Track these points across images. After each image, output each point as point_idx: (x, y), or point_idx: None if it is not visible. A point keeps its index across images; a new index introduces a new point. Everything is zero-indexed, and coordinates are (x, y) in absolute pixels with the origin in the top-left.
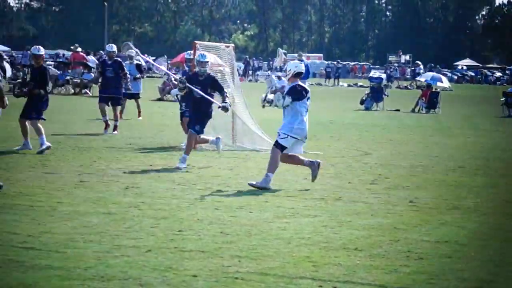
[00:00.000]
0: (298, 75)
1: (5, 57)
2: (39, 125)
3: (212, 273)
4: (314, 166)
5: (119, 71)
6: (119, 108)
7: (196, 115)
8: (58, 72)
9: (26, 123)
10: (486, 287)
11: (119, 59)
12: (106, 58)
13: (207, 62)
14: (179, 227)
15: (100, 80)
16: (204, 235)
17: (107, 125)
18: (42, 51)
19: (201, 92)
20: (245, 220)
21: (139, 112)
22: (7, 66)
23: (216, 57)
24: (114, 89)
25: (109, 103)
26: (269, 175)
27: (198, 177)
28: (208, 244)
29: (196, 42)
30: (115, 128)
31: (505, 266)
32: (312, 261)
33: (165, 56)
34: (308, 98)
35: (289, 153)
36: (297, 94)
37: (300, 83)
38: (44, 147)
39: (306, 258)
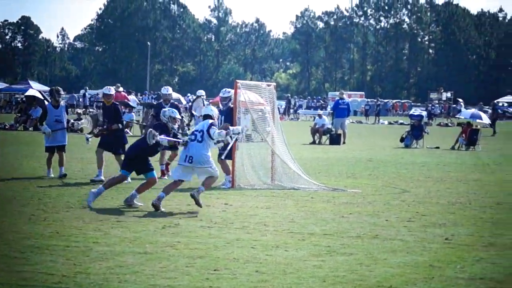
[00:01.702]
0: None
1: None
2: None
3: None
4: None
5: None
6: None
7: None
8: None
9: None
10: None
11: (176, 103)
12: (162, 101)
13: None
14: (214, 266)
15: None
16: (239, 274)
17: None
18: (112, 91)
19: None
20: (281, 259)
21: None
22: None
23: (257, 96)
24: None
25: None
26: None
27: (236, 216)
28: (243, 283)
29: (237, 81)
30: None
31: None
32: None
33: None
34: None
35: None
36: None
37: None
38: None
39: None
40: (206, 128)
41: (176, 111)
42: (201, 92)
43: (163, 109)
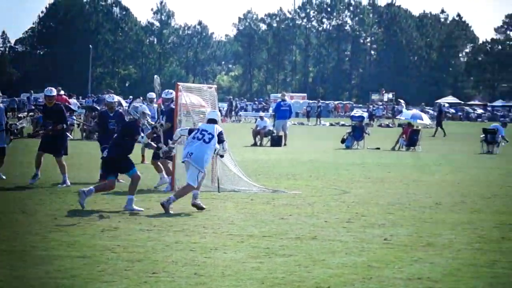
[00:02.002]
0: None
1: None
2: (64, 162)
3: None
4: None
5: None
6: None
7: None
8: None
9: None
10: None
11: (120, 111)
12: (106, 109)
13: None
14: (153, 269)
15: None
16: (178, 277)
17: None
18: (54, 92)
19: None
20: (220, 261)
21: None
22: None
23: (199, 98)
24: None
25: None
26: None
27: (175, 218)
28: (182, 286)
29: (179, 83)
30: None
31: None
32: None
33: (141, 98)
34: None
35: None
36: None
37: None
38: (67, 184)
39: None
40: (216, 133)
41: (146, 107)
42: (152, 95)
43: (135, 105)
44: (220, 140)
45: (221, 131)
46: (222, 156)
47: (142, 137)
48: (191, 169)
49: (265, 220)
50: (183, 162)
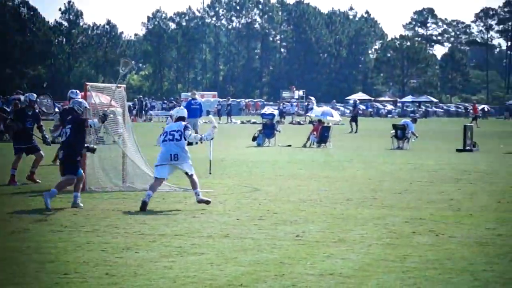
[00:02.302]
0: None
1: None
2: None
3: None
4: None
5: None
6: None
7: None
8: None
9: None
10: None
11: (37, 111)
12: (24, 107)
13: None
14: (64, 270)
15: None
16: (89, 277)
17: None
18: None
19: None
20: (132, 261)
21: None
22: None
23: (108, 98)
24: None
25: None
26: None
27: (86, 219)
28: (93, 286)
29: (87, 83)
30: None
31: None
32: None
33: (49, 94)
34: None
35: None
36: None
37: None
38: None
39: None
40: (182, 128)
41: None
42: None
43: (78, 100)
44: (185, 134)
45: (186, 126)
46: (190, 144)
47: (94, 124)
48: (183, 165)
49: (177, 219)
50: (161, 165)
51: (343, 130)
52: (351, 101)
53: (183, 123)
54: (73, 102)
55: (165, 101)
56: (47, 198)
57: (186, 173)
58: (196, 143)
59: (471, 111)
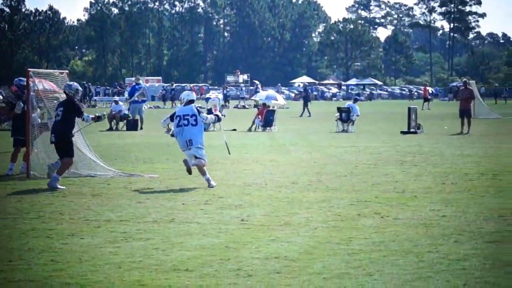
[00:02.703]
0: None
1: None
2: None
3: None
4: None
5: None
6: None
7: None
8: None
9: None
10: None
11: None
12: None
13: None
14: (9, 257)
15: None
16: (34, 264)
17: None
18: None
19: None
20: (77, 247)
21: None
22: None
23: (53, 84)
24: None
25: None
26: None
27: (31, 206)
28: (38, 273)
29: (29, 69)
30: None
31: (332, 278)
32: (142, 285)
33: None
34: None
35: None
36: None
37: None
38: None
39: (136, 282)
40: (197, 112)
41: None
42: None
43: (69, 84)
44: (202, 116)
45: (198, 109)
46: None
47: (88, 119)
48: (194, 150)
49: (122, 204)
50: (184, 151)
51: (291, 114)
52: (301, 85)
53: (193, 106)
54: (65, 86)
55: (107, 87)
56: (55, 183)
57: (195, 156)
58: (214, 123)
59: (421, 93)
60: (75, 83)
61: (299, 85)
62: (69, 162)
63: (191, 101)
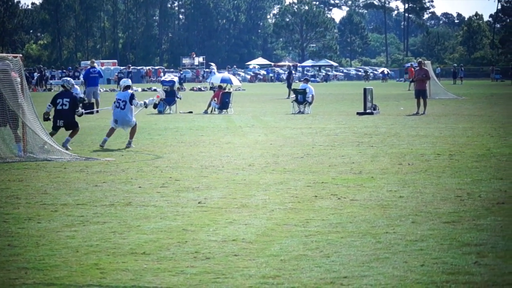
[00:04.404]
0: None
1: None
2: None
3: None
4: None
5: None
6: None
7: None
8: None
9: None
10: (270, 282)
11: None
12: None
13: None
14: None
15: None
16: None
17: None
18: None
19: None
20: (34, 231)
21: None
22: None
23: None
24: None
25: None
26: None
27: None
28: None
29: None
30: None
31: (289, 260)
32: (100, 268)
33: None
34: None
35: None
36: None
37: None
38: None
39: (94, 266)
40: (128, 98)
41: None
42: None
43: (67, 79)
44: (132, 102)
45: (132, 95)
46: (146, 106)
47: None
48: (124, 127)
49: (79, 188)
50: (113, 128)
51: (247, 95)
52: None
53: (130, 91)
54: (63, 80)
55: (63, 70)
56: (66, 144)
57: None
58: (142, 107)
59: (407, 75)
60: (70, 79)
61: (254, 67)
62: (79, 129)
63: (128, 87)
